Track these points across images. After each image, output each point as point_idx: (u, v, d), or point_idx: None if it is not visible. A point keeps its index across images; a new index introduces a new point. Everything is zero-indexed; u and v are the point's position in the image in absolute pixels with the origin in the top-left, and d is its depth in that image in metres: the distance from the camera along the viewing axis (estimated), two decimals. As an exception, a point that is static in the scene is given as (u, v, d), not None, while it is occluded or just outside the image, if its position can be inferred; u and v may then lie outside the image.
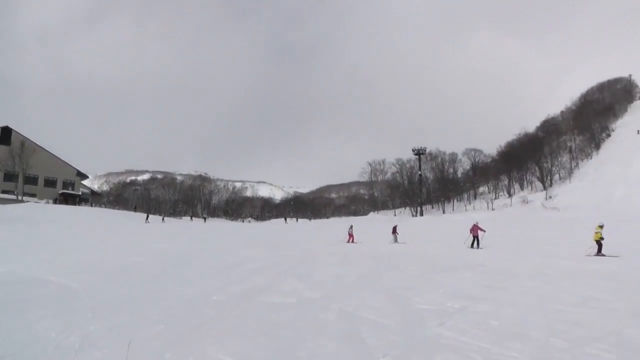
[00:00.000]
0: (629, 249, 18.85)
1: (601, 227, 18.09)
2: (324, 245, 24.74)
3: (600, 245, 17.47)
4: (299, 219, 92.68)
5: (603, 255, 16.95)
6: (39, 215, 45.04)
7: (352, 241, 27.38)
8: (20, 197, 62.18)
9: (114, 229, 36.82)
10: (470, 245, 21.63)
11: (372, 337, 6.09)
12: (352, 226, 29.73)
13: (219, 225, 61.95)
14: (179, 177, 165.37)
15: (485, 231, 21.91)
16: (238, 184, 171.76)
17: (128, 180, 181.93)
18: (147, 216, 57.30)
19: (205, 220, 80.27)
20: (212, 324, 6.91)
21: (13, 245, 21.37)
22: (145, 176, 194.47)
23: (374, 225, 50.76)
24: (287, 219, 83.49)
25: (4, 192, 63.07)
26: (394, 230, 27.42)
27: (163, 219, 60.88)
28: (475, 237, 21.71)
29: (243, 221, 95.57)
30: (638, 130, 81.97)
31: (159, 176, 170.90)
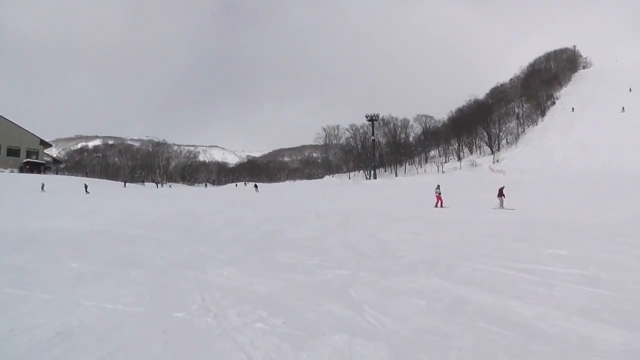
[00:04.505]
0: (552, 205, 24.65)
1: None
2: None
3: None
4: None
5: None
6: (11, 184, 48.16)
7: (441, 205, 24.99)
8: (-18, 167, 63.35)
9: (106, 195, 41.14)
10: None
11: (360, 246, 11.21)
12: (439, 186, 26.85)
13: (186, 191, 66.28)
14: (131, 142, 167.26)
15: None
16: (191, 149, 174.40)
17: (79, 146, 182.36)
18: (86, 187, 48.04)
19: (157, 186, 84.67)
20: (268, 246, 11.86)
21: (37, 208, 24.99)
22: (97, 142, 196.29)
23: (331, 187, 56.25)
24: (247, 183, 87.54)
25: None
26: (500, 193, 23.69)
27: (125, 184, 62.89)
28: None
29: (200, 185, 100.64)
30: (573, 108, 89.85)
31: (111, 142, 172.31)
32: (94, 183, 59.72)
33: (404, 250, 10.84)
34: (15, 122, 76.45)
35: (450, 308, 5.93)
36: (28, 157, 76.73)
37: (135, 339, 4.91)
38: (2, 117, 73.93)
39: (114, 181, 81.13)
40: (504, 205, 23.20)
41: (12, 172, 65.43)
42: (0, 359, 4.53)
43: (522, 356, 4.43)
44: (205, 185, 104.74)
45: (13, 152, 74.90)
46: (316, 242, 12.48)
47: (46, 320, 5.48)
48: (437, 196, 25.55)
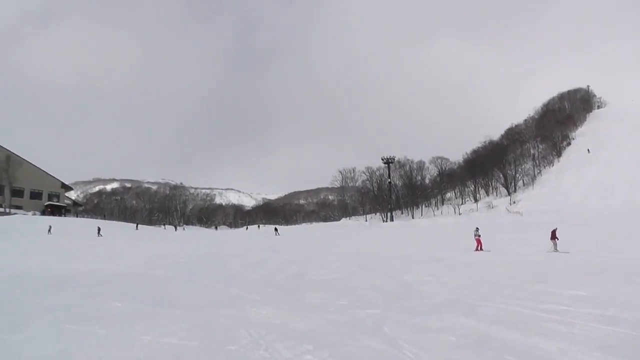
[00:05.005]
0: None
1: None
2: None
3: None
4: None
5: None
6: (32, 226, 49.66)
7: (481, 248, 24.28)
8: (7, 210, 65.62)
9: (121, 238, 42.29)
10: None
11: (385, 287, 11.71)
12: (478, 229, 25.60)
13: (204, 233, 67.54)
14: (148, 185, 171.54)
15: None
16: (207, 191, 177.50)
17: (97, 189, 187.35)
18: (99, 229, 48.44)
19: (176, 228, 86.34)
20: (297, 287, 12.46)
21: (63, 251, 26.11)
22: (114, 184, 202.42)
23: (350, 230, 56.70)
24: (261, 226, 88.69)
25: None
26: (554, 236, 23.08)
27: (137, 227, 65.58)
28: None
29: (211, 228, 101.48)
30: (588, 149, 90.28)
31: (128, 184, 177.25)
32: (109, 225, 60.84)
33: (428, 291, 11.34)
34: (38, 166, 78.81)
35: (478, 343, 6.45)
36: (50, 200, 78.95)
37: (200, 368, 5.50)
38: (27, 161, 76.39)
39: (128, 223, 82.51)
40: (557, 248, 22.53)
41: (34, 214, 67.09)
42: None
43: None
44: (216, 228, 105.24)
45: (36, 195, 77.31)
46: (341, 283, 13.00)
47: (112, 352, 6.11)
48: (476, 239, 24.71)
